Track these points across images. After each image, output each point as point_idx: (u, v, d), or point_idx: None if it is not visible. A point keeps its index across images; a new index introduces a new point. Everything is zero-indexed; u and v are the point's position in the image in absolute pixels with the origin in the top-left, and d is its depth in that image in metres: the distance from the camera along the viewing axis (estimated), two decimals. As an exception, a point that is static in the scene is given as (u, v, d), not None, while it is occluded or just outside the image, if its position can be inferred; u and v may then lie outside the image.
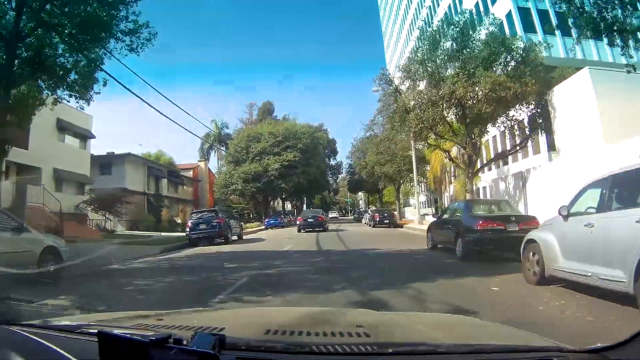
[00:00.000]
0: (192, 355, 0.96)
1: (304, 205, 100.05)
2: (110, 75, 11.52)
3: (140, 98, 14.86)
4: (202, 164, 52.96)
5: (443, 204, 37.97)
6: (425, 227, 16.35)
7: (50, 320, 1.65)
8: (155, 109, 27.84)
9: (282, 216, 39.61)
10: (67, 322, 1.60)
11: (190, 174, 51.72)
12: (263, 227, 36.86)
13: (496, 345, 1.34)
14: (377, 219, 28.93)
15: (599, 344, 1.21)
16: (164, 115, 32.07)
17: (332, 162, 66.94)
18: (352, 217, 77.98)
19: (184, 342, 1.02)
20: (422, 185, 51.85)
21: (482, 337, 1.56)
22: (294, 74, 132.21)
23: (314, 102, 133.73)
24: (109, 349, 0.98)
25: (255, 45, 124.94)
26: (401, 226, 28.96)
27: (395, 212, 32.40)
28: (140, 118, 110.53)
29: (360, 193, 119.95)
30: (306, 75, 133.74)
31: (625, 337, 1.19)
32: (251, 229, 33.79)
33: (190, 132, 54.45)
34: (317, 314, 2.20)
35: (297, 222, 28.89)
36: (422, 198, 58.72)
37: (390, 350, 1.22)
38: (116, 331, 1.13)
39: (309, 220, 27.10)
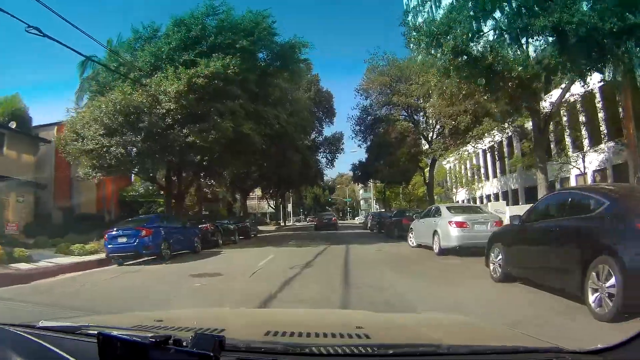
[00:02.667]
0: (191, 357, 0.96)
1: (290, 205, 76.00)
2: None
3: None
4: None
5: None
6: None
7: (50, 321, 1.57)
8: None
9: (148, 227, 12.75)
10: (67, 323, 1.55)
11: (53, 132, 25.74)
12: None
13: (496, 346, 1.34)
14: None
15: (598, 345, 1.19)
16: None
17: (328, 134, 41.17)
18: (357, 221, 55.38)
19: (184, 343, 1.01)
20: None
21: (481, 338, 1.55)
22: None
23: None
24: (109, 350, 0.98)
25: None
26: None
27: None
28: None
29: (361, 191, 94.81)
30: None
31: (624, 338, 1.17)
32: None
33: (60, 42, 24.84)
34: (318, 315, 2.33)
35: (314, 223, 33.60)
36: (490, 188, 32.23)
37: (391, 352, 1.20)
38: (115, 332, 1.11)
39: (324, 220, 31.89)
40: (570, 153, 19.74)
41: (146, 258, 12.15)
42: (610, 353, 1.16)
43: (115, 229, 12.33)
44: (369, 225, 29.51)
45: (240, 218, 25.80)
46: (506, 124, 20.34)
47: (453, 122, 18.53)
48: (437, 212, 11.65)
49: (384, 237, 19.63)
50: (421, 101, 19.79)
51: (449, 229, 10.27)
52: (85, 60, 27.42)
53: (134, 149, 16.83)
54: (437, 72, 11.11)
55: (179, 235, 13.26)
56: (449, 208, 11.59)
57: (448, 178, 35.61)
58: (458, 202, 27.70)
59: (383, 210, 38.36)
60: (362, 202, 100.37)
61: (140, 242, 11.39)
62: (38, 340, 1.25)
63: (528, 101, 11.45)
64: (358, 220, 69.20)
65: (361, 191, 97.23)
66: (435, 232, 10.95)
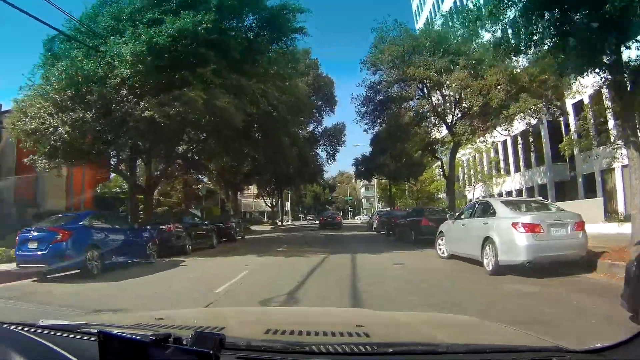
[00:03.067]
0: (191, 355, 0.94)
1: (289, 203, 73.60)
2: None
3: None
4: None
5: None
6: None
7: (51, 320, 1.51)
8: None
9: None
10: (67, 322, 1.52)
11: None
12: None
13: (495, 345, 1.31)
14: None
15: (598, 344, 1.15)
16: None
17: (328, 124, 37.83)
18: (359, 220, 53.14)
19: (184, 342, 0.99)
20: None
21: (481, 337, 1.52)
22: None
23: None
24: (109, 348, 0.96)
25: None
26: None
27: None
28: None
29: (363, 189, 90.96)
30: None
31: (625, 337, 1.14)
32: None
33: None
34: (318, 314, 2.29)
35: (317, 222, 36.31)
36: (512, 184, 28.45)
37: (390, 350, 1.18)
38: (116, 331, 1.11)
39: (328, 219, 33.21)
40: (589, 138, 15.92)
41: (73, 271, 8.65)
42: (610, 352, 1.13)
43: (31, 230, 8.80)
44: (374, 225, 25.85)
45: (224, 217, 22.21)
46: (541, 104, 16.73)
47: (483, 99, 14.91)
48: (488, 210, 7.93)
49: (396, 242, 16.04)
50: (442, 76, 16.18)
51: (514, 235, 6.68)
52: (54, 36, 24.13)
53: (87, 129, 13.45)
54: (486, 9, 7.38)
55: (123, 240, 9.64)
56: (506, 203, 7.96)
57: (461, 173, 31.80)
58: (485, 197, 24.06)
59: (389, 208, 34.68)
60: (364, 201, 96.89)
61: (52, 249, 7.84)
62: (38, 339, 1.23)
63: (612, 49, 7.79)
64: (359, 219, 65.50)
65: (363, 189, 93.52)
66: (487, 240, 7.33)
